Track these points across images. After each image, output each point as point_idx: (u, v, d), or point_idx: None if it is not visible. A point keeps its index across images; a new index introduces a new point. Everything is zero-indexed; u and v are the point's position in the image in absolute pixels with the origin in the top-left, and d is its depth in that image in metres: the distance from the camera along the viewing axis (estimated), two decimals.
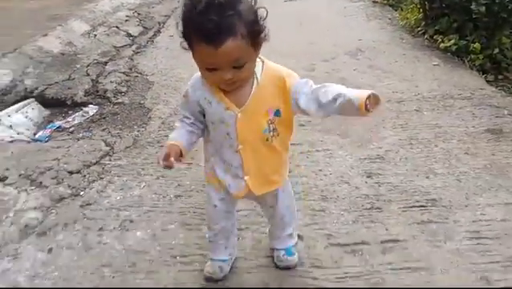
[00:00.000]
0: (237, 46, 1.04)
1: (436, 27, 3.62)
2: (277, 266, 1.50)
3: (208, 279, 1.46)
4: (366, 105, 1.04)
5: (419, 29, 3.87)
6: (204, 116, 1.24)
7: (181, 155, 1.19)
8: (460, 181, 1.90)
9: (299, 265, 1.49)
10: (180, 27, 1.10)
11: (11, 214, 1.69)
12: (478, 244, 1.54)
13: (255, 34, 1.08)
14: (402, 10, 4.47)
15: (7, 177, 1.89)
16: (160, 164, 1.13)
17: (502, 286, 1.38)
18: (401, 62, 3.37)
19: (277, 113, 1.23)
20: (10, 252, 1.54)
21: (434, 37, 3.61)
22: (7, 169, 1.94)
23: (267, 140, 1.25)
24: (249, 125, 1.22)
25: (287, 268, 1.49)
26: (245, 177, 1.29)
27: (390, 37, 4.01)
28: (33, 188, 1.86)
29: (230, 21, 1.02)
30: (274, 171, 1.34)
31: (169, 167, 1.14)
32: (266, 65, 1.21)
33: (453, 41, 3.35)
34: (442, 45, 3.45)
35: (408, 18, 4.16)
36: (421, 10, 3.86)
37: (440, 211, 1.72)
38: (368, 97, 1.06)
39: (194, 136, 1.25)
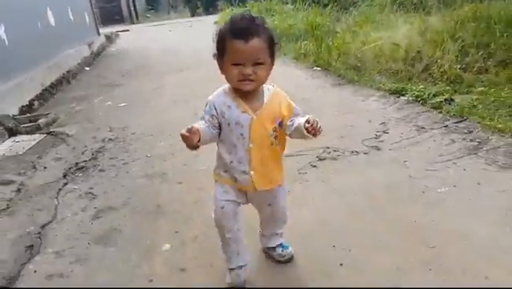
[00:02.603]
0: (260, 45, 1.39)
1: None
2: (279, 262, 1.75)
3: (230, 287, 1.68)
4: (307, 129, 1.36)
5: None
6: (218, 123, 1.48)
7: (199, 140, 1.38)
8: None
9: None
10: (215, 39, 1.46)
11: None
12: None
13: (272, 43, 1.44)
14: None
15: None
16: (184, 132, 1.35)
17: None
18: None
19: (280, 124, 1.51)
20: None
21: None
22: None
23: (272, 143, 1.52)
24: (259, 128, 1.49)
25: (289, 260, 1.75)
26: (251, 172, 1.52)
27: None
28: None
29: (257, 28, 1.40)
30: (275, 171, 1.58)
31: (190, 140, 1.36)
32: (276, 87, 1.55)
33: None
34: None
35: None
36: None
37: None
38: (308, 120, 1.37)
39: (209, 133, 1.47)
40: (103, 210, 2.35)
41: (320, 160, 2.66)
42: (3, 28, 5.25)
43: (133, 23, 20.86)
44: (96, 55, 9.74)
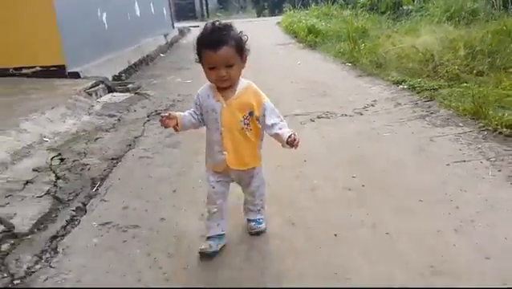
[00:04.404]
0: (228, 51, 1.68)
1: None
2: (250, 233, 2.04)
3: (201, 255, 1.89)
4: (287, 142, 1.73)
5: None
6: (201, 111, 1.84)
7: (177, 124, 1.81)
8: None
9: None
10: (195, 48, 1.76)
11: None
12: None
13: (240, 47, 1.73)
14: None
15: None
16: (160, 115, 1.82)
17: None
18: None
19: (251, 113, 1.80)
20: None
21: None
22: None
23: (242, 129, 1.79)
24: (230, 115, 1.77)
25: (258, 234, 2.03)
26: (224, 152, 1.81)
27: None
28: None
29: (225, 37, 1.69)
30: (247, 155, 1.85)
31: (165, 123, 1.79)
32: (251, 84, 1.84)
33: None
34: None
35: None
36: None
37: None
38: (289, 136, 1.72)
39: (193, 119, 1.85)
40: (173, 134, 3.65)
41: (318, 118, 3.83)
42: (105, 15, 6.87)
43: (204, 20, 22.66)
44: (170, 45, 11.33)
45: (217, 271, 1.81)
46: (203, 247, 1.90)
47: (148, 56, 8.73)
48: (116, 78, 6.47)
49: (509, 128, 2.99)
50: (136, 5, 9.08)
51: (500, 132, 2.99)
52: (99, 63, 6.19)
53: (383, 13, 11.99)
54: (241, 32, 1.79)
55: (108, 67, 6.41)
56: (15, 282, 1.82)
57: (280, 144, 1.81)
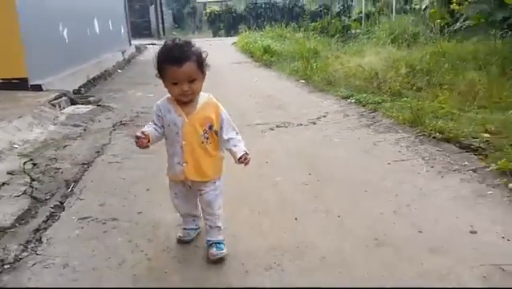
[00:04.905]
0: (191, 67, 1.75)
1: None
2: (212, 261, 1.93)
3: (179, 241, 2.09)
4: (240, 160, 1.84)
5: None
6: (162, 124, 1.88)
7: (149, 141, 1.83)
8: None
9: None
10: (155, 64, 1.81)
11: None
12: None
13: (201, 63, 1.79)
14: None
15: None
16: (136, 136, 1.82)
17: None
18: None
19: (210, 127, 1.86)
20: None
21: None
22: None
23: (202, 142, 1.86)
24: (191, 129, 1.84)
25: (220, 261, 1.92)
26: (184, 164, 1.87)
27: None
28: None
29: (187, 53, 1.75)
30: (207, 167, 1.89)
31: (141, 142, 1.81)
32: (211, 97, 1.91)
33: None
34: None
35: None
36: None
37: None
38: (241, 157, 1.83)
39: (157, 133, 1.89)
40: None
41: (277, 127, 4.18)
42: (66, 30, 6.96)
43: (160, 39, 22.76)
44: (127, 62, 11.41)
45: (194, 252, 2.06)
46: (181, 235, 2.11)
47: (106, 71, 8.81)
48: (76, 92, 6.55)
49: (441, 133, 3.48)
50: (96, 21, 9.19)
51: (434, 137, 3.47)
52: (60, 76, 6.28)
53: (332, 36, 12.84)
54: (200, 48, 1.86)
55: (69, 81, 6.49)
56: (5, 266, 1.98)
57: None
